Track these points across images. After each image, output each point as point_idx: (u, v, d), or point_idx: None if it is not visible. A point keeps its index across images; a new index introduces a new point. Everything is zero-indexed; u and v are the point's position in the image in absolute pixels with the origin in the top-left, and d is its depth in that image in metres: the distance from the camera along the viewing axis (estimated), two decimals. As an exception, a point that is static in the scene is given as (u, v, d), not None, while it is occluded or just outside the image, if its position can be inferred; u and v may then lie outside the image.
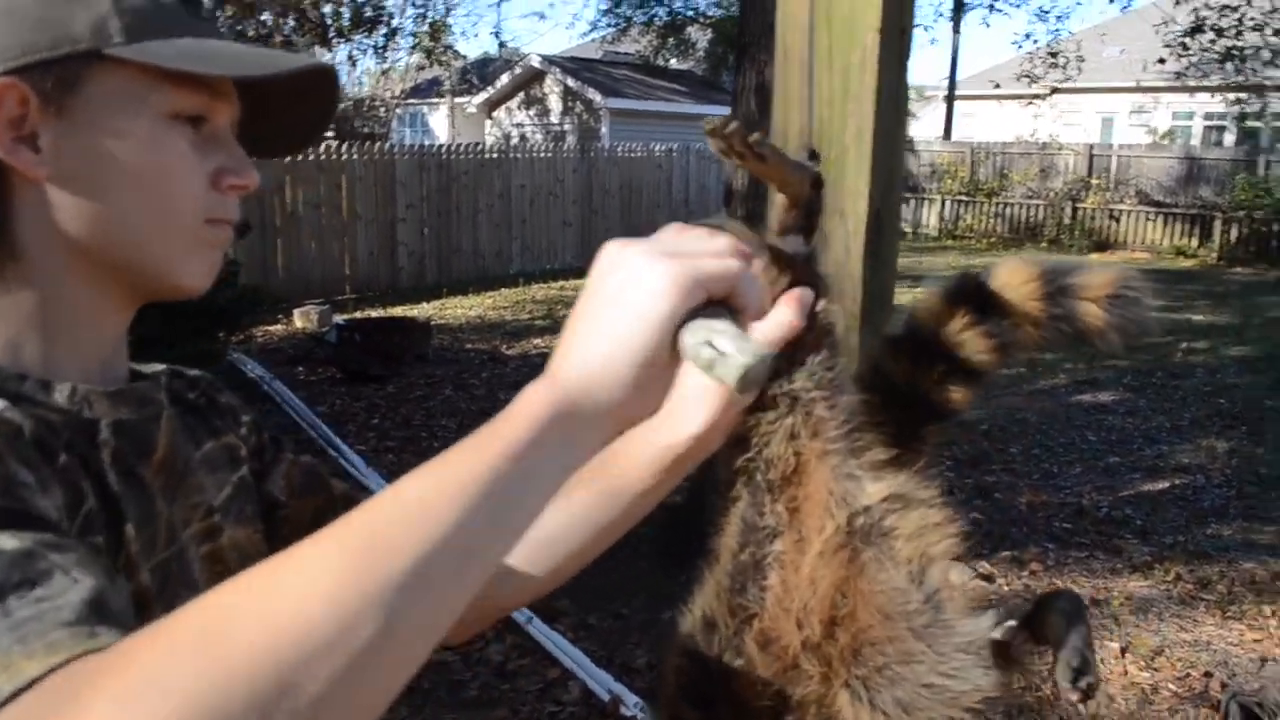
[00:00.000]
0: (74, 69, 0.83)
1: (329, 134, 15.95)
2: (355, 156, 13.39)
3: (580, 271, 15.86)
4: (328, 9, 16.50)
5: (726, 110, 19.81)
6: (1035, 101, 21.27)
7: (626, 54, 25.05)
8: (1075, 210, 19.81)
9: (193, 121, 0.88)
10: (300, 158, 12.55)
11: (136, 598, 0.82)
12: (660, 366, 0.73)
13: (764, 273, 1.01)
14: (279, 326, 11.08)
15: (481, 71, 27.78)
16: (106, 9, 0.84)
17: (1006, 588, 4.94)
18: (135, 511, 0.86)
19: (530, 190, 15.70)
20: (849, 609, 1.13)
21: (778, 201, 1.11)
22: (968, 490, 6.19)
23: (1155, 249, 18.82)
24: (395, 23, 18.23)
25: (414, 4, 19.08)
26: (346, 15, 16.79)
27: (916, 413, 1.20)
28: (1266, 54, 16.09)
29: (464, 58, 25.92)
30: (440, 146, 15.45)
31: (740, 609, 1.15)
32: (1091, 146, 21.13)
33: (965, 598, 1.14)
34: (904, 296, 1.40)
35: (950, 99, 26.89)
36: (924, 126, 27.56)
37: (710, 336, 0.70)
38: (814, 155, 1.12)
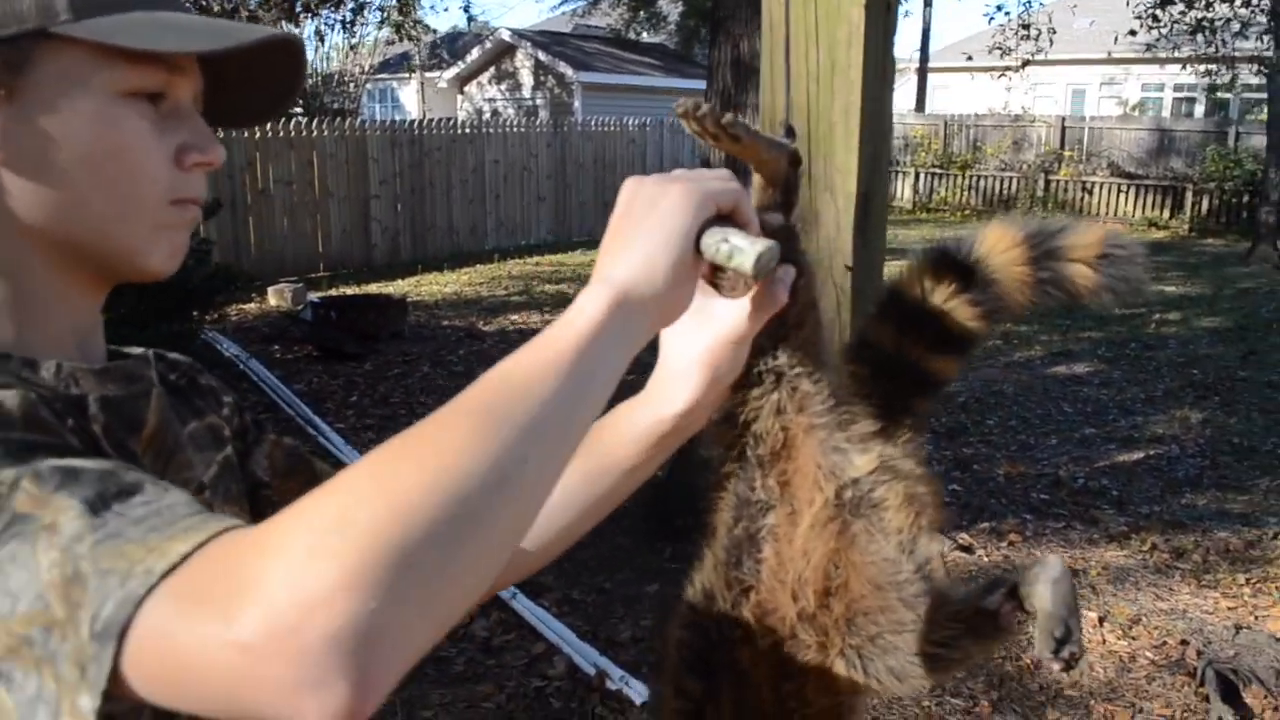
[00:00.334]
0: (21, 49, 0.80)
1: (298, 110, 15.82)
2: (326, 133, 13.28)
3: (555, 247, 15.85)
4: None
5: (701, 85, 19.71)
6: (1008, 74, 21.28)
7: (598, 28, 24.92)
8: (1048, 182, 19.90)
9: (151, 98, 0.85)
10: (270, 134, 12.44)
11: None
12: (688, 265, 0.84)
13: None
14: (253, 305, 11.00)
15: (451, 46, 27.56)
16: None
17: (986, 559, 4.98)
18: None
19: (504, 165, 15.64)
20: (842, 580, 1.14)
21: (755, 181, 1.11)
22: (946, 462, 6.23)
23: (1127, 221, 18.91)
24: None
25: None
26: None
27: (904, 384, 1.21)
28: (1236, 25, 16.16)
29: (434, 32, 25.68)
30: (413, 122, 15.34)
31: (737, 582, 1.16)
32: (1063, 118, 21.22)
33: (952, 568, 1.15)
34: (885, 271, 1.41)
35: (923, 71, 26.91)
36: (897, 99, 27.39)
37: (725, 236, 0.84)
38: (790, 132, 1.12)
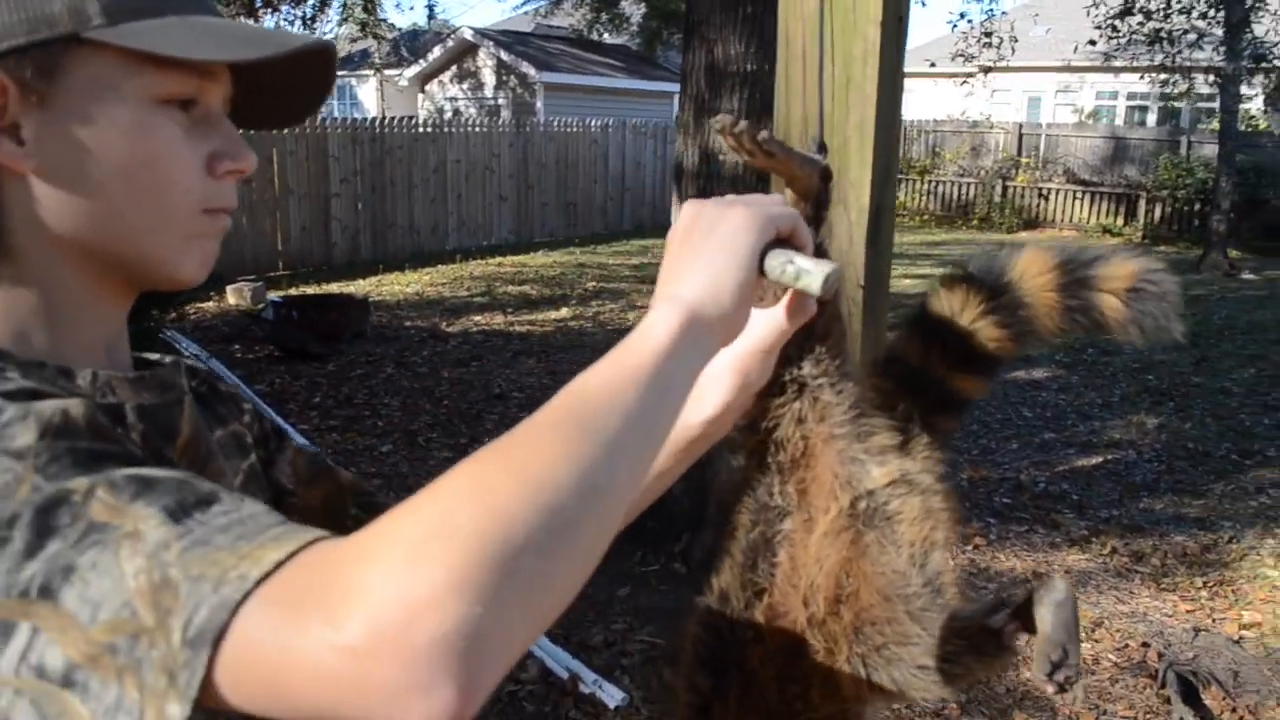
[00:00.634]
0: (53, 55, 0.78)
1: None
2: (286, 130, 13.14)
3: (517, 247, 15.81)
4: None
5: (662, 86, 19.69)
6: (970, 81, 21.49)
7: (560, 28, 24.85)
8: (1005, 189, 20.13)
9: (183, 104, 0.83)
10: (231, 131, 12.28)
11: None
12: (752, 286, 0.87)
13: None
14: (210, 304, 10.88)
15: (411, 44, 27.39)
16: None
17: (951, 562, 5.03)
18: None
19: (466, 165, 15.58)
20: (853, 589, 1.16)
21: (786, 195, 1.13)
22: (909, 466, 6.28)
23: (1083, 227, 19.19)
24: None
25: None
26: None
27: (928, 400, 1.22)
28: (1192, 36, 16.45)
29: (397, 29, 25.53)
30: (373, 120, 15.22)
31: (751, 584, 1.17)
32: (1020, 125, 21.46)
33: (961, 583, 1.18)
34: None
35: (882, 77, 27.01)
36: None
37: (789, 258, 0.88)
38: (822, 148, 1.13)
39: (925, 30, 79.53)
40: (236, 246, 12.50)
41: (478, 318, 10.52)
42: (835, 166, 1.28)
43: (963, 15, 22.38)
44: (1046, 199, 19.84)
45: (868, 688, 1.18)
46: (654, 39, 23.27)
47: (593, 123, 17.86)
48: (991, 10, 18.68)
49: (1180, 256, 16.45)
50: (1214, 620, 4.51)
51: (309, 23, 18.41)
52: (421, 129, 15.28)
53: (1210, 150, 17.67)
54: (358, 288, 11.90)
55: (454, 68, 22.83)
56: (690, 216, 0.89)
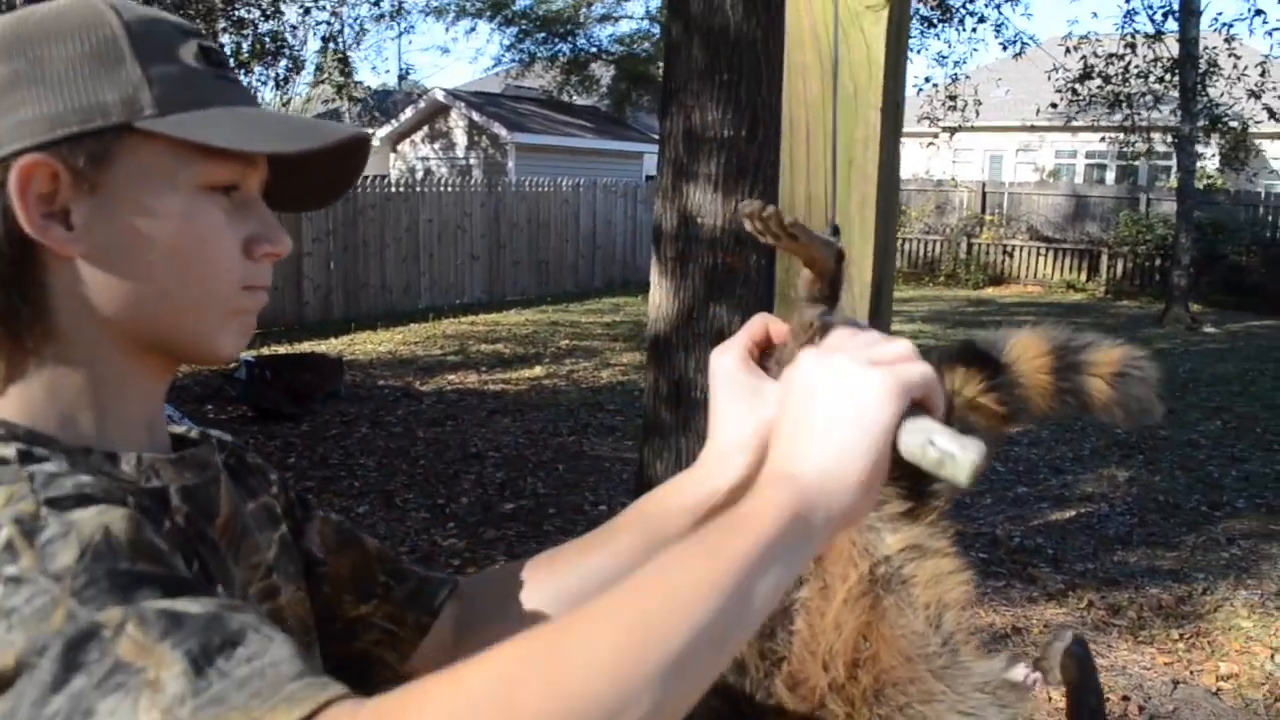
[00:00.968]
0: (106, 143, 0.80)
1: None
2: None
3: (489, 306, 15.87)
4: (226, 40, 16.24)
5: (632, 146, 19.83)
6: (935, 141, 21.91)
7: (531, 89, 25.14)
8: (970, 245, 20.44)
9: (225, 190, 0.86)
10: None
11: None
12: (884, 471, 0.78)
13: (797, 336, 1.09)
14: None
15: (381, 104, 27.57)
16: (138, 79, 0.82)
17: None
18: (217, 574, 0.87)
19: (438, 224, 15.67)
20: (871, 652, 1.20)
21: (804, 275, 1.18)
22: (886, 522, 6.33)
23: (1046, 283, 19.50)
24: (298, 54, 18.01)
25: (320, 36, 18.92)
26: (247, 46, 16.54)
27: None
28: (1150, 99, 16.90)
29: (370, 90, 25.71)
30: (346, 180, 15.27)
31: (770, 652, 1.20)
32: (984, 184, 21.85)
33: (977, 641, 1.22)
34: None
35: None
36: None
37: (930, 437, 0.76)
38: (836, 231, 1.19)
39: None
40: (208, 307, 12.45)
41: (451, 376, 10.53)
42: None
43: (928, 80, 22.78)
44: (1011, 255, 20.16)
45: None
46: (623, 100, 23.60)
47: (564, 182, 18.03)
48: (955, 75, 19.08)
49: (1142, 311, 16.74)
50: (1191, 672, 4.56)
51: (281, 84, 18.51)
52: (394, 189, 15.38)
53: (1168, 207, 18.08)
54: (330, 347, 11.88)
55: (426, 128, 23.01)
56: (813, 374, 0.81)
